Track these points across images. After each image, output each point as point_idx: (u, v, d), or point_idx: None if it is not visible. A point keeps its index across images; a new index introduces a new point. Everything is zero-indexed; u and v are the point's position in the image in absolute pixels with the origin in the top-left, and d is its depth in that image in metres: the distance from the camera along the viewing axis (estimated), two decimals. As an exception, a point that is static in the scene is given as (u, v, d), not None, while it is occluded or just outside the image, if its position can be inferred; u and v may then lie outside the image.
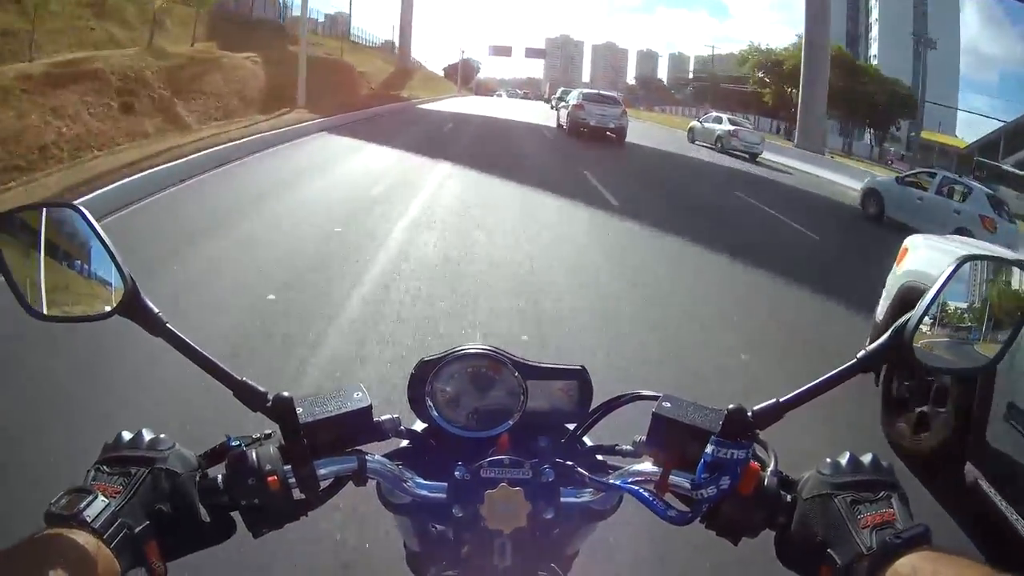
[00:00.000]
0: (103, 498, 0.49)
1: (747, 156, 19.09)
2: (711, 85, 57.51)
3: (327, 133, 12.01)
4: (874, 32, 45.01)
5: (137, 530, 0.49)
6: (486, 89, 69.18)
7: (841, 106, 28.77)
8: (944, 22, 41.64)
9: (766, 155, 20.00)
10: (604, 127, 17.14)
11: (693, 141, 21.37)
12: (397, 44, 40.22)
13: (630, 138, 17.29)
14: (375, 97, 20.73)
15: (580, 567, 0.76)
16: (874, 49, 44.09)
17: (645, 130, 24.51)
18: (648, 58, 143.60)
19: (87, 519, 0.46)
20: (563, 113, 19.29)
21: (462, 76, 58.03)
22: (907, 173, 12.05)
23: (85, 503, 0.47)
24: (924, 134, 38.15)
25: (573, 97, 18.61)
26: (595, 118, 17.03)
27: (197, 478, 0.56)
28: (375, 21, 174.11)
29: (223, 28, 18.60)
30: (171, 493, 0.53)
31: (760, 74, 37.66)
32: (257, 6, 27.78)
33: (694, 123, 22.87)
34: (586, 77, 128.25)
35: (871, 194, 11.33)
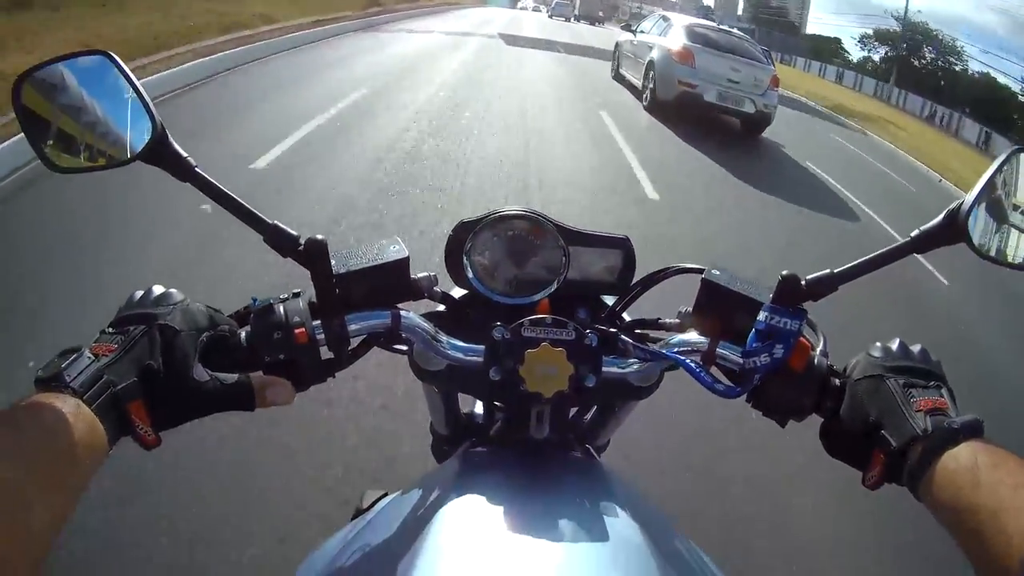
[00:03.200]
0: (89, 356, 0.44)
1: None
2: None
3: None
4: None
5: (120, 387, 0.44)
6: None
7: None
8: None
9: None
10: (734, 107, 7.85)
11: None
12: None
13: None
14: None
15: (610, 455, 0.76)
16: None
17: None
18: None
19: (67, 379, 0.42)
20: (630, 61, 9.64)
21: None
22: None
23: (68, 363, 0.43)
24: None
25: (658, 29, 8.92)
26: (717, 87, 7.57)
27: (204, 338, 0.49)
28: None
29: None
30: (164, 350, 0.47)
31: None
32: None
33: None
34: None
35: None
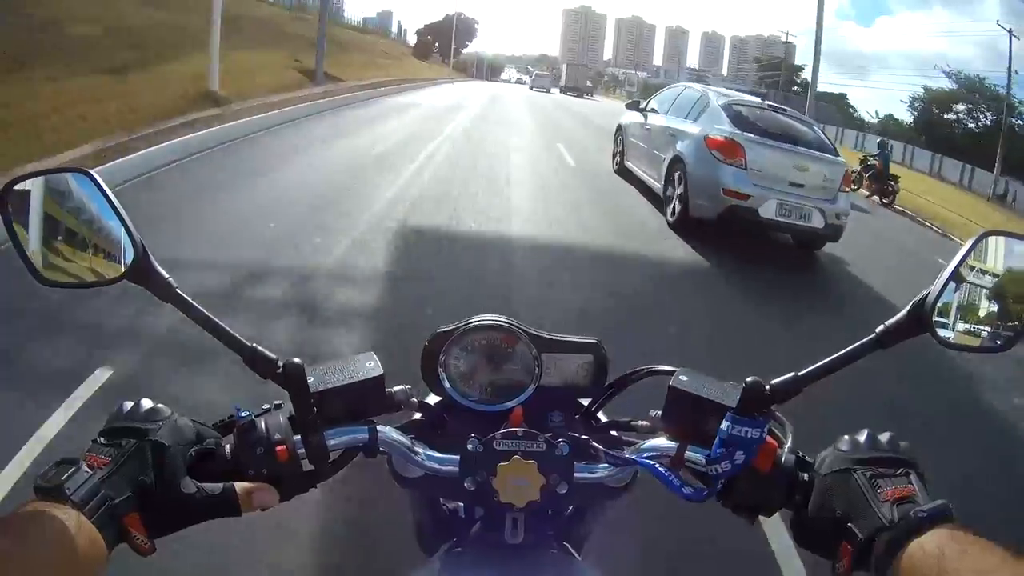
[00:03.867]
0: (87, 469, 0.48)
1: None
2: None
3: None
4: None
5: (117, 501, 0.48)
6: (490, 71, 54.23)
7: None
8: None
9: None
10: (799, 223, 5.33)
11: None
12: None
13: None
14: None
15: (591, 549, 0.78)
16: None
17: None
18: (677, 36, 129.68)
19: (68, 491, 0.46)
20: (641, 152, 7.28)
21: (446, 45, 43.69)
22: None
23: (67, 475, 0.47)
24: None
25: (680, 108, 6.48)
26: (776, 196, 5.17)
27: (192, 452, 0.54)
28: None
29: None
30: (154, 466, 0.51)
31: None
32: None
33: None
34: (608, 55, 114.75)
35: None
